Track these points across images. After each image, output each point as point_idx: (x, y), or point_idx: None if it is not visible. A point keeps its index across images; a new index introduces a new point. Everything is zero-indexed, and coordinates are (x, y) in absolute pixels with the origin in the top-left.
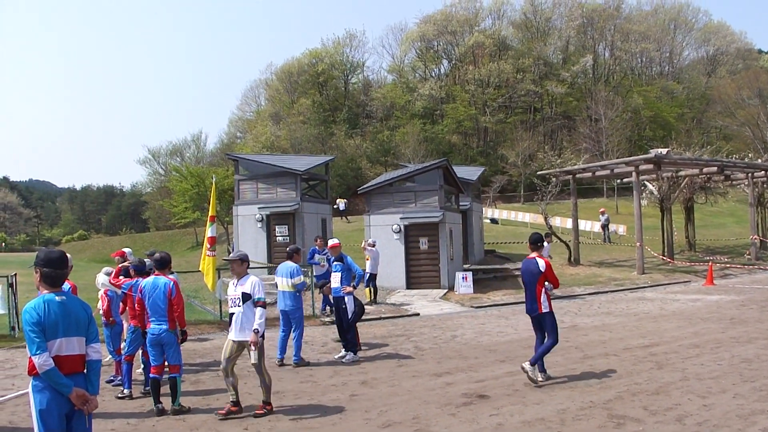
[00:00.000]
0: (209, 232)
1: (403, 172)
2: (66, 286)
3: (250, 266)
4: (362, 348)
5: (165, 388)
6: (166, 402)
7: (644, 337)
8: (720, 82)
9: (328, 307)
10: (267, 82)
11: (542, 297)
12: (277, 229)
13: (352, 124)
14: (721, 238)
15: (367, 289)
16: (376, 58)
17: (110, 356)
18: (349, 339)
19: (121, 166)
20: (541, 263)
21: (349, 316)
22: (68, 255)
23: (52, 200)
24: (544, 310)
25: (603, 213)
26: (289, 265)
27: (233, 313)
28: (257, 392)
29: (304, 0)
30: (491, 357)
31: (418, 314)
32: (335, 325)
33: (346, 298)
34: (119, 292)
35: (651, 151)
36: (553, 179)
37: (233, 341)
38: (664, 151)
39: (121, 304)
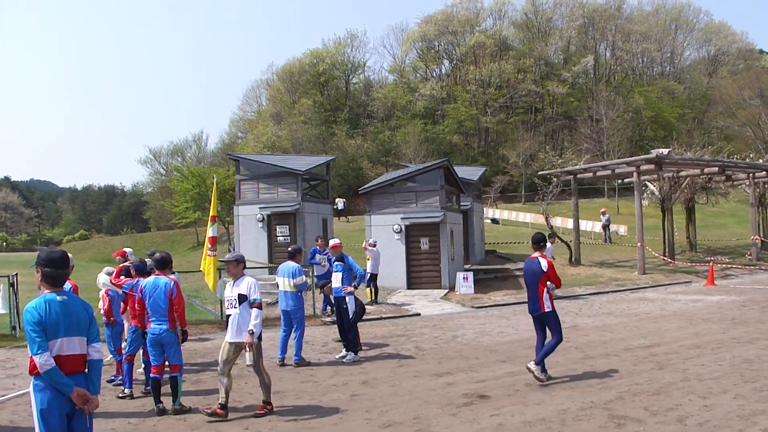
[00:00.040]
0: (210, 232)
1: (404, 172)
2: (67, 285)
3: (252, 266)
4: (363, 348)
5: (165, 388)
6: (167, 402)
7: (645, 337)
8: (721, 83)
9: (328, 307)
10: (268, 82)
11: (544, 296)
12: (278, 229)
13: (353, 124)
14: (722, 239)
15: (368, 289)
16: (377, 58)
17: (111, 356)
18: (350, 339)
19: (122, 166)
20: (544, 263)
21: (350, 316)
22: (69, 255)
23: (53, 200)
24: (546, 310)
25: (604, 213)
26: (291, 265)
27: (230, 315)
28: (257, 392)
29: (305, 0)
30: (492, 357)
31: (418, 314)
32: (336, 325)
33: (347, 298)
34: (120, 291)
35: (652, 151)
36: (554, 179)
37: (230, 343)
38: (665, 151)
39: (122, 303)
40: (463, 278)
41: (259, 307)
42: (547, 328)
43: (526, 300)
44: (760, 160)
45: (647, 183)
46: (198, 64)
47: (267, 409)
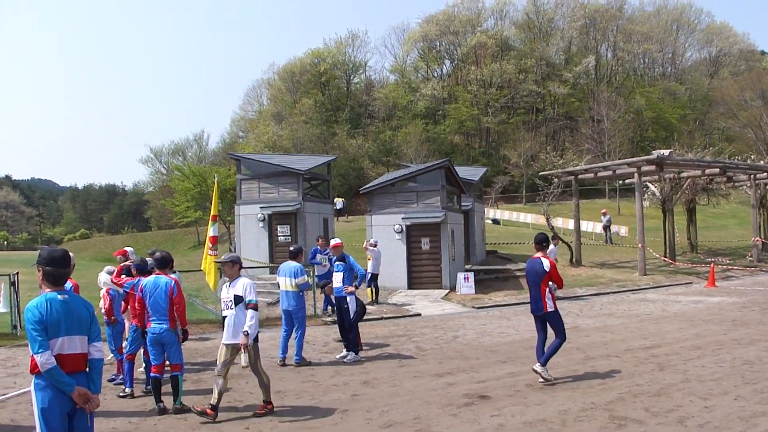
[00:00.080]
0: (211, 231)
1: (405, 173)
2: (68, 284)
3: (253, 266)
4: (364, 348)
5: (166, 388)
6: (168, 401)
7: (646, 338)
8: (722, 84)
9: (329, 307)
10: (269, 81)
11: (547, 296)
12: (278, 229)
13: (354, 124)
14: (723, 240)
15: (369, 289)
16: (378, 58)
17: (112, 355)
18: (351, 339)
19: (123, 165)
20: (546, 263)
21: (351, 316)
22: (71, 254)
23: (54, 199)
24: (549, 309)
25: (605, 214)
26: (292, 264)
27: (226, 316)
28: (258, 392)
29: (307, 0)
30: (493, 358)
31: (419, 314)
32: (337, 325)
33: (348, 298)
34: (121, 291)
35: (653, 152)
36: (555, 180)
37: (226, 345)
38: (666, 152)
39: (123, 303)
40: (464, 278)
41: (255, 309)
42: (549, 328)
43: (528, 300)
44: (762, 162)
45: (648, 184)
46: (199, 64)
47: (268, 409)
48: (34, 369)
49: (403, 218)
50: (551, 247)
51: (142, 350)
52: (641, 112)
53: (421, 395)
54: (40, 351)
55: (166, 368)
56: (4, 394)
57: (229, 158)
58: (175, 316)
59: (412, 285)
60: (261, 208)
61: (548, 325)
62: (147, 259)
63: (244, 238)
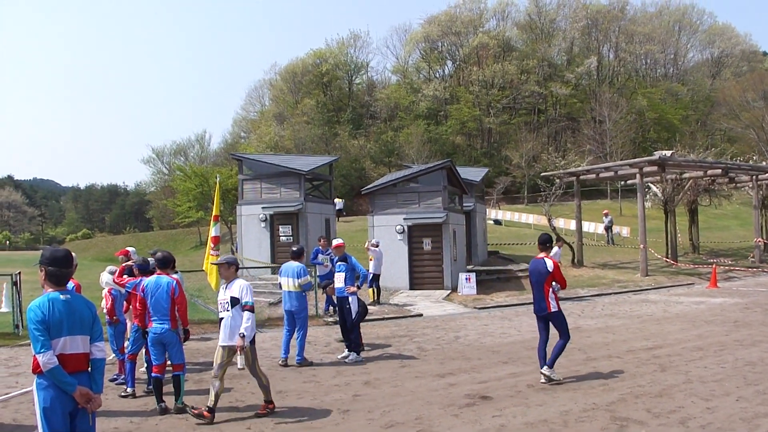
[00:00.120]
0: (213, 231)
1: (406, 173)
2: (70, 284)
3: (255, 266)
4: (365, 348)
5: (168, 387)
6: (169, 401)
7: (647, 339)
8: (725, 84)
9: (331, 308)
10: (271, 82)
11: (550, 296)
12: (280, 229)
13: (356, 124)
14: (725, 241)
15: (371, 290)
16: (380, 58)
17: (114, 355)
18: (353, 339)
19: (125, 166)
20: (549, 263)
21: (353, 317)
22: (73, 254)
23: (56, 199)
24: (552, 309)
25: (606, 215)
26: (295, 265)
27: (222, 318)
28: (260, 392)
29: (308, 1)
30: (494, 358)
31: (421, 315)
32: (338, 325)
33: (350, 298)
34: (123, 290)
35: (655, 153)
36: (557, 181)
37: (223, 346)
38: (668, 153)
39: (124, 303)
40: (466, 279)
41: (251, 310)
42: (552, 329)
43: (531, 300)
44: (764, 163)
45: (650, 185)
46: (201, 64)
47: (269, 409)
48: (37, 368)
49: (404, 219)
50: (555, 249)
51: (143, 350)
52: (643, 113)
53: (423, 396)
54: (42, 351)
55: (167, 368)
56: (6, 394)
57: (231, 158)
58: (176, 316)
59: (413, 285)
60: (263, 208)
61: (552, 325)
62: (149, 259)
63: (245, 239)
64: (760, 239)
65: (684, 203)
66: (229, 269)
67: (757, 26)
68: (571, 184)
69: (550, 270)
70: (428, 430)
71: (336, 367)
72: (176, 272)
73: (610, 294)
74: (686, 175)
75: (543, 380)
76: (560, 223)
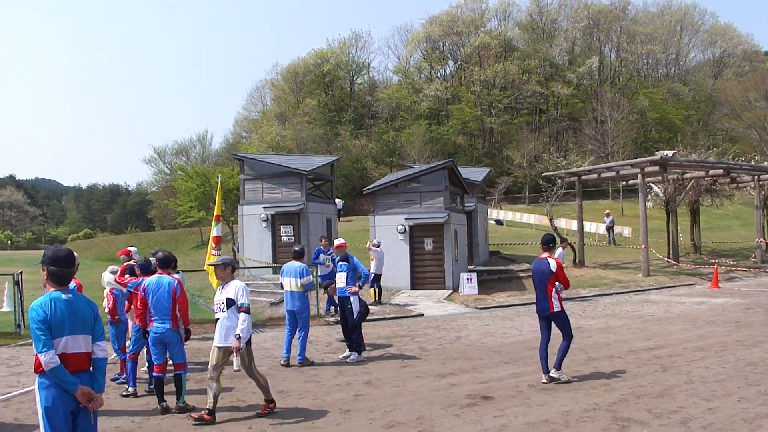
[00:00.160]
0: (214, 231)
1: (408, 173)
2: (71, 284)
3: (257, 266)
4: (366, 348)
5: (169, 387)
6: (171, 400)
7: (649, 339)
8: (726, 84)
9: (332, 307)
10: (273, 82)
11: (553, 296)
12: (282, 229)
13: (357, 124)
14: (727, 241)
15: (372, 290)
16: (381, 58)
17: (115, 354)
18: (354, 339)
19: (127, 165)
20: (553, 263)
21: (355, 316)
22: (75, 254)
23: (57, 199)
24: (555, 309)
25: (608, 215)
26: (297, 265)
27: (218, 319)
28: (261, 391)
29: (310, 0)
30: (495, 358)
31: (422, 315)
32: (339, 325)
33: (351, 298)
34: (125, 290)
35: (657, 153)
36: (559, 181)
37: (218, 347)
38: (670, 153)
39: (126, 302)
40: (467, 279)
41: (247, 312)
42: (554, 329)
43: (532, 301)
44: (765, 163)
45: (652, 185)
46: (203, 64)
47: (270, 408)
48: (38, 368)
49: (406, 219)
50: (560, 250)
51: (145, 350)
52: (645, 113)
53: (424, 396)
54: (44, 350)
55: (169, 367)
56: (8, 393)
57: (232, 158)
58: (177, 316)
59: (415, 285)
60: (264, 208)
61: (554, 325)
62: (150, 258)
63: (247, 238)
64: (761, 239)
65: (686, 203)
66: (225, 270)
67: (758, 26)
68: (572, 184)
69: (554, 270)
70: (429, 430)
71: (337, 367)
72: (178, 272)
73: (612, 294)
74: (688, 175)
75: (545, 380)
76: (562, 223)
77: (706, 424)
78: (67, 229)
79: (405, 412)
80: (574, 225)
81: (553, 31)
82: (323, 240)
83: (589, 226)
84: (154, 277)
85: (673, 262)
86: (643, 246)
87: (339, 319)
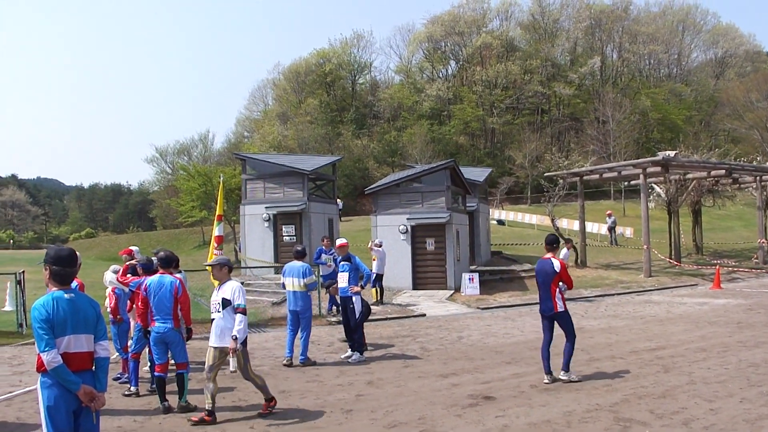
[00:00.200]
0: (216, 231)
1: (410, 173)
2: (73, 283)
3: (258, 266)
4: (368, 348)
5: (171, 387)
6: (173, 400)
7: (651, 340)
8: (728, 85)
9: (334, 307)
10: (274, 81)
11: (557, 297)
12: (284, 229)
13: (359, 124)
14: (729, 242)
15: (374, 290)
16: (383, 58)
17: (117, 354)
18: (356, 339)
19: (129, 165)
20: (557, 264)
21: (357, 316)
22: (77, 253)
23: (59, 198)
24: (559, 309)
25: (610, 215)
26: (299, 264)
27: (214, 319)
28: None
29: (311, 0)
30: (497, 358)
31: (424, 315)
32: (341, 325)
33: (353, 298)
34: (127, 290)
35: (659, 153)
36: (561, 181)
37: (213, 348)
38: (671, 153)
39: (128, 302)
40: (469, 279)
41: (244, 313)
42: (556, 329)
43: (534, 301)
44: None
45: (654, 185)
46: (205, 64)
47: (271, 407)
48: (41, 367)
49: (408, 219)
50: (564, 251)
51: (147, 349)
52: (647, 114)
53: (426, 396)
54: (46, 349)
55: (171, 367)
56: (10, 392)
57: (234, 158)
58: (179, 316)
59: (416, 285)
60: (266, 208)
61: (557, 325)
62: (153, 258)
63: (249, 238)
64: (763, 240)
65: (687, 204)
66: (222, 270)
67: (761, 26)
68: (574, 185)
69: (557, 270)
70: (431, 430)
71: (339, 367)
72: (180, 272)
73: (614, 295)
74: (690, 176)
75: (546, 381)
76: (563, 223)
77: (708, 425)
78: (69, 229)
79: (407, 412)
80: (575, 225)
81: (554, 31)
82: (325, 240)
83: (591, 227)
84: (155, 277)
85: (675, 262)
86: (644, 246)
87: (341, 319)
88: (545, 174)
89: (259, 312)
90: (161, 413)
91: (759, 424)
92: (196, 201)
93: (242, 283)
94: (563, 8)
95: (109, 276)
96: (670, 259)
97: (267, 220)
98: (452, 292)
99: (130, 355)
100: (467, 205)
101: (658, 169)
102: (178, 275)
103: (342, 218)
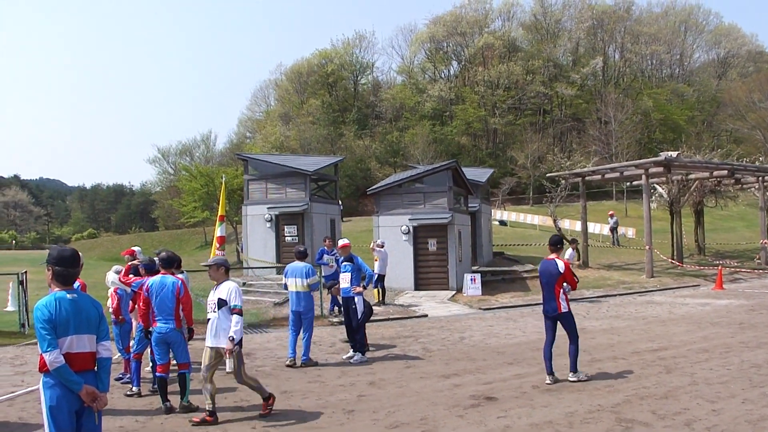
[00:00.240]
0: (218, 231)
1: (412, 173)
2: (75, 284)
3: (261, 266)
4: (370, 349)
5: (173, 387)
6: (174, 400)
7: (653, 340)
8: (731, 85)
9: (336, 308)
10: (277, 82)
11: (561, 297)
12: (286, 229)
13: (361, 124)
14: (731, 242)
15: (376, 290)
16: (385, 59)
17: (119, 354)
18: (358, 339)
19: (131, 166)
20: (561, 265)
21: (359, 317)
22: (80, 254)
23: (62, 198)
24: (563, 310)
25: (612, 216)
26: (302, 265)
27: (210, 319)
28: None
29: (314, 1)
30: (499, 359)
31: (426, 315)
32: (343, 326)
33: (356, 299)
34: (129, 290)
35: (661, 153)
36: (563, 181)
37: (209, 348)
38: (674, 154)
39: (130, 302)
40: (471, 280)
41: (240, 314)
42: (559, 330)
43: (535, 302)
44: None
45: (656, 186)
46: (207, 64)
47: (269, 405)
48: (43, 367)
49: (410, 219)
50: (569, 251)
51: (149, 349)
52: (649, 114)
53: (428, 396)
54: (48, 349)
55: (173, 367)
56: (12, 392)
57: (236, 159)
58: (180, 316)
59: (418, 286)
60: (268, 208)
61: (560, 326)
62: (155, 258)
63: (251, 239)
64: (766, 241)
65: (690, 204)
66: (218, 270)
67: (763, 27)
68: (576, 185)
69: (562, 271)
70: (433, 430)
71: (341, 368)
72: (182, 272)
73: (616, 295)
74: (692, 176)
75: (548, 381)
76: (566, 224)
77: (710, 426)
78: (71, 229)
79: (408, 412)
80: (577, 226)
81: (557, 32)
82: (327, 240)
83: (593, 227)
84: (157, 277)
85: (677, 263)
86: (647, 247)
87: (343, 319)
88: (547, 174)
89: (261, 312)
90: (163, 413)
91: (761, 425)
92: (198, 201)
93: (244, 284)
94: (565, 8)
95: (112, 276)
96: (672, 259)
97: (269, 221)
98: (454, 292)
99: (132, 355)
100: (469, 205)
101: (661, 169)
102: (180, 276)
103: (342, 219)
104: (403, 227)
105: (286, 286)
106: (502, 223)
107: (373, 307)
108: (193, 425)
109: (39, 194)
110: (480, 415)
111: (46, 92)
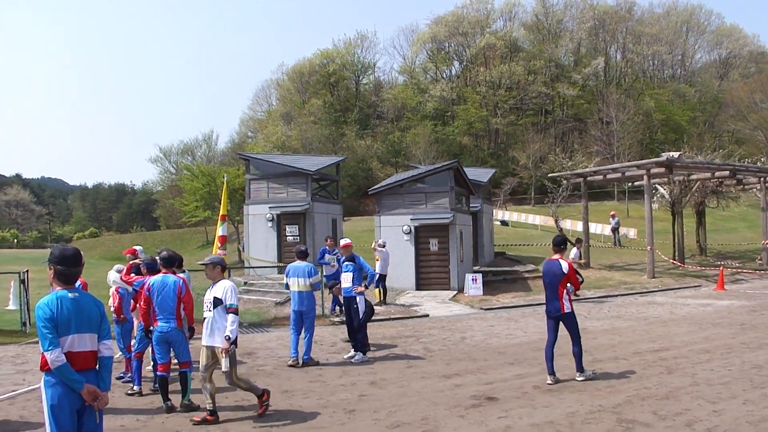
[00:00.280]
0: (220, 230)
1: (413, 173)
2: (77, 283)
3: (262, 266)
4: (371, 348)
5: (174, 386)
6: (175, 399)
7: (654, 341)
8: (732, 86)
9: (337, 308)
10: (278, 82)
11: (564, 298)
12: (287, 229)
13: (362, 124)
14: (733, 243)
15: (377, 290)
16: (387, 59)
17: (121, 353)
18: (359, 339)
19: (133, 165)
20: (564, 265)
21: (360, 317)
22: (82, 253)
23: (63, 198)
24: (566, 310)
25: (613, 216)
26: (304, 264)
27: (205, 318)
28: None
29: (316, 1)
30: (500, 359)
31: (427, 315)
32: (344, 325)
33: (357, 298)
34: (130, 289)
35: (662, 154)
36: (564, 182)
37: (205, 347)
38: (675, 154)
39: (132, 301)
40: (472, 280)
41: (235, 313)
42: (561, 330)
43: (538, 302)
44: None
45: (657, 186)
46: (208, 64)
47: (264, 401)
48: (44, 366)
49: (411, 219)
50: (574, 250)
51: (150, 349)
52: (650, 114)
53: (429, 396)
54: (50, 348)
55: (174, 366)
56: (13, 391)
57: (238, 158)
58: (182, 315)
59: (420, 286)
60: (270, 208)
61: (563, 326)
62: (156, 257)
63: (252, 238)
64: (767, 241)
65: (691, 205)
66: (215, 269)
67: (765, 27)
68: (578, 186)
69: (565, 272)
70: (434, 430)
71: (342, 367)
72: (183, 271)
73: (617, 296)
74: (694, 177)
75: (549, 382)
76: (567, 224)
77: (711, 427)
78: (73, 228)
79: (410, 412)
80: (579, 226)
81: (558, 32)
82: (328, 240)
83: (595, 228)
84: (158, 277)
85: (679, 263)
86: (648, 247)
87: (344, 319)
88: (549, 175)
89: (263, 312)
90: (164, 412)
91: (762, 426)
92: (200, 201)
93: (245, 283)
94: (567, 9)
95: (113, 275)
96: (674, 260)
97: (270, 220)
98: (455, 292)
99: (133, 354)
100: (471, 205)
101: (662, 170)
102: (181, 275)
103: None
104: (405, 227)
105: (287, 286)
106: (504, 223)
107: (375, 307)
108: (194, 424)
109: (41, 193)
110: (481, 415)
111: (48, 91)
